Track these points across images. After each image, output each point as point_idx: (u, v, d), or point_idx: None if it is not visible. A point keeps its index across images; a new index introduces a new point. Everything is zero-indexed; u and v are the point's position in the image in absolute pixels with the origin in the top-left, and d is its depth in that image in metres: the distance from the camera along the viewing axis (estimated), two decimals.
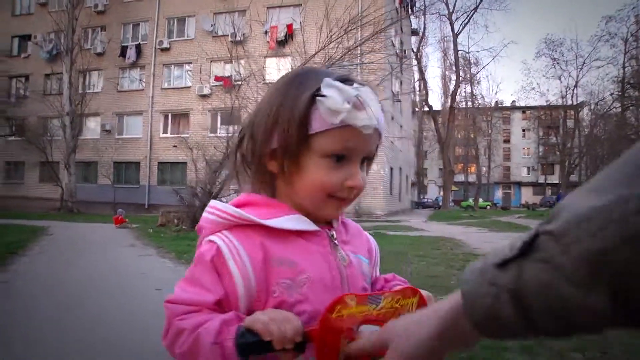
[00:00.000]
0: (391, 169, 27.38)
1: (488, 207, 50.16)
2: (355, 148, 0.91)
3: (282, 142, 0.91)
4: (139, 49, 29.71)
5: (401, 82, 30.94)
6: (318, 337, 0.79)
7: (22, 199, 31.35)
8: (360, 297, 0.83)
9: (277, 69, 16.61)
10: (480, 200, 49.92)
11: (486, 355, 3.53)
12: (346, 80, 0.90)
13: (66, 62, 26.12)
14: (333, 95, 0.87)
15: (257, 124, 0.95)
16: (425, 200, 53.44)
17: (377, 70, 13.47)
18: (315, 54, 13.21)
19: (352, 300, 0.81)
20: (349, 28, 12.70)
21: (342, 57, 12.78)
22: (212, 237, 0.91)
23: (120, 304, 5.25)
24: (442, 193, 43.80)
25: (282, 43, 24.49)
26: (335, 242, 0.97)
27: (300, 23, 24.12)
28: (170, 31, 29.62)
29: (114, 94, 30.28)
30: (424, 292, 0.90)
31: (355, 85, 0.90)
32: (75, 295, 5.60)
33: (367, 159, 0.96)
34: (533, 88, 47.48)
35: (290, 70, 11.61)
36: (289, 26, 24.52)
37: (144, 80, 29.51)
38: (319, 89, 0.88)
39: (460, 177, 59.04)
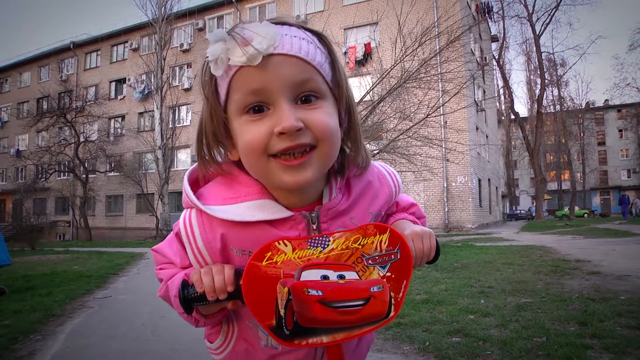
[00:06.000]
0: (479, 180, 26.36)
1: (585, 215, 46.52)
2: (263, 88, 0.77)
3: (214, 125, 0.86)
4: None
5: (484, 91, 29.95)
6: (244, 285, 0.79)
7: (122, 230, 33.46)
8: (297, 242, 0.81)
9: (358, 87, 16.58)
10: (577, 208, 46.59)
11: (566, 352, 3.34)
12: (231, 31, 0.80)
13: (157, 100, 27.66)
14: (210, 49, 0.78)
15: (202, 130, 0.91)
16: (518, 211, 50.85)
17: (455, 79, 13.11)
18: (391, 69, 13.08)
19: (285, 246, 0.80)
20: (423, 40, 12.51)
21: (418, 69, 12.59)
22: (182, 214, 0.89)
23: None
24: (534, 203, 41.53)
25: (361, 62, 24.54)
26: (313, 225, 0.88)
27: (377, 41, 24.19)
28: None
29: None
30: (409, 230, 0.89)
31: (239, 27, 0.78)
32: (163, 304, 6.14)
33: (308, 96, 0.80)
34: (628, 84, 43.78)
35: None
36: (367, 45, 24.56)
37: None
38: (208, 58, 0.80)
39: (553, 186, 56.12)
